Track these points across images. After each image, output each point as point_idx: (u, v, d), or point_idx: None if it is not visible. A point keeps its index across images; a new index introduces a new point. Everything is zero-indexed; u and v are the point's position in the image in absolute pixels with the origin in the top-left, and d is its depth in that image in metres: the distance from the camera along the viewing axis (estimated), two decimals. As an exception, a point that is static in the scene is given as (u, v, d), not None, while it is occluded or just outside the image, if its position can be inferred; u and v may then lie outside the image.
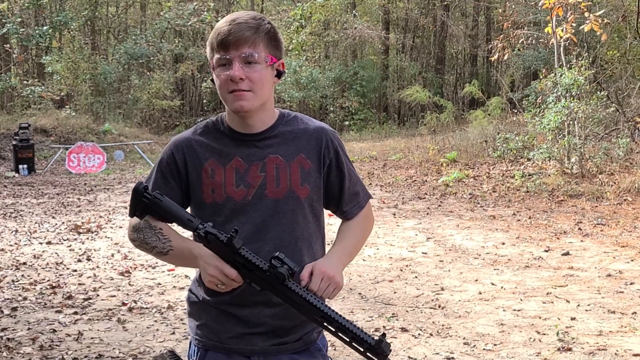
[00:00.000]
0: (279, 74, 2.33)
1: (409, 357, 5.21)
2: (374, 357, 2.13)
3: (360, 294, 6.88)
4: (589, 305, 6.41)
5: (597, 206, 11.41)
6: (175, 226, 2.36)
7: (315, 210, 2.40)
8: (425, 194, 13.40)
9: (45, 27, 25.87)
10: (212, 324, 2.34)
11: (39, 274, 7.77)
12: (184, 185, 2.35)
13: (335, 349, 5.33)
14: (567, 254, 8.44)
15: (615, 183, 12.52)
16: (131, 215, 2.30)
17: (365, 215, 2.56)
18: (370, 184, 14.82)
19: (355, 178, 2.52)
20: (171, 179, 2.35)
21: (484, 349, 5.35)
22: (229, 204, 2.28)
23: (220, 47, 2.22)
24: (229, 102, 2.26)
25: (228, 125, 2.36)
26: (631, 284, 7.09)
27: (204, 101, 34.15)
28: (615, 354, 5.16)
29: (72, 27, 28.96)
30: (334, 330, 2.14)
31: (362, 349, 2.13)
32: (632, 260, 8.08)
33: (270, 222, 2.30)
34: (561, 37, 14.27)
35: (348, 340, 2.14)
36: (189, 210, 2.37)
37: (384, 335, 2.13)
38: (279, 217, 2.30)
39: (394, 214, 11.33)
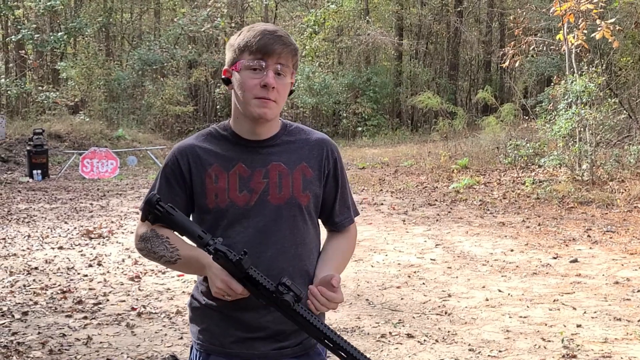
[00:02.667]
0: (290, 91, 2.41)
1: (414, 363, 5.25)
2: None
3: (367, 300, 6.92)
4: (595, 312, 6.42)
5: (607, 213, 11.40)
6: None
7: (313, 218, 2.46)
8: (436, 200, 13.42)
9: (60, 34, 26.09)
10: (213, 328, 2.38)
11: (50, 278, 7.85)
12: (189, 191, 2.38)
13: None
14: (575, 261, 8.45)
15: (625, 190, 12.50)
16: (143, 220, 2.34)
17: (353, 234, 2.62)
18: (381, 190, 14.86)
19: (348, 192, 2.58)
20: (175, 184, 2.39)
21: (489, 355, 5.38)
22: (232, 209, 2.33)
23: (258, 51, 2.27)
24: (251, 107, 2.31)
25: (233, 131, 2.41)
26: (638, 291, 7.09)
27: (218, 107, 34.27)
28: (620, 361, 5.18)
29: (86, 33, 29.20)
30: (332, 347, 2.18)
31: None
32: (640, 268, 8.09)
33: (272, 228, 2.34)
34: (572, 44, 14.28)
35: (345, 358, 2.18)
36: (191, 217, 2.42)
37: None
38: (280, 223, 2.35)
39: (404, 221, 11.36)
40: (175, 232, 2.32)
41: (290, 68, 2.32)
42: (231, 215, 2.33)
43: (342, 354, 2.17)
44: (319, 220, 2.54)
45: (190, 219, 2.38)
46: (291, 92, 2.41)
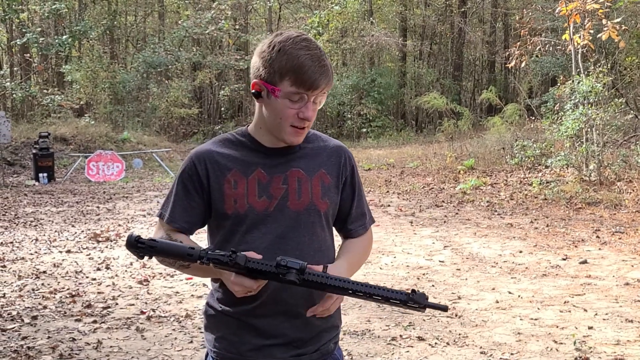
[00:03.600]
0: None
1: (426, 366, 5.23)
2: (413, 309, 2.17)
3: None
4: (606, 314, 6.40)
5: (615, 214, 11.37)
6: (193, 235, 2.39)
7: (330, 225, 2.45)
8: (443, 201, 13.39)
9: (64, 37, 26.07)
10: (230, 336, 2.36)
11: (59, 282, 7.85)
12: (206, 196, 2.36)
13: (352, 358, 5.36)
14: (584, 262, 8.42)
15: (633, 190, 12.46)
16: (141, 258, 2.31)
17: (368, 239, 2.60)
18: (388, 191, 14.84)
19: (364, 199, 2.57)
20: (193, 190, 2.37)
21: (500, 358, 5.35)
22: (251, 214, 2.31)
23: (302, 86, 2.22)
24: (284, 133, 2.30)
25: (252, 138, 2.39)
26: (649, 292, 7.07)
27: (222, 109, 34.28)
28: (633, 363, 5.16)
29: (91, 36, 29.22)
30: (362, 296, 2.17)
31: (400, 305, 2.17)
32: (650, 269, 8.06)
33: (291, 234, 2.33)
34: (578, 44, 14.25)
35: (382, 301, 2.17)
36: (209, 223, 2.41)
37: (413, 291, 2.14)
38: (299, 229, 2.33)
39: (411, 222, 11.34)
40: (181, 240, 2.30)
41: (325, 94, 2.31)
42: (250, 220, 2.32)
43: (376, 297, 2.16)
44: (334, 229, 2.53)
45: (207, 225, 2.38)
46: None
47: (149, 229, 11.04)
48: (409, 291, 2.15)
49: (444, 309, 2.20)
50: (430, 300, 2.16)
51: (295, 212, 2.33)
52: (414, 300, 2.13)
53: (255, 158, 2.36)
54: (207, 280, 2.87)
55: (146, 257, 2.22)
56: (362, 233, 2.55)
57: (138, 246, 2.18)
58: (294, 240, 2.32)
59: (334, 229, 2.52)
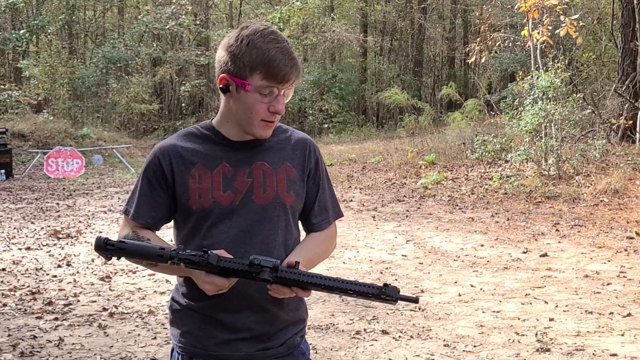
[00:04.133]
0: None
1: (390, 359, 5.25)
2: (386, 302, 2.18)
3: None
4: (566, 306, 6.49)
5: (574, 207, 11.53)
6: (164, 229, 2.38)
7: (296, 219, 2.44)
8: (404, 196, 13.46)
9: (22, 31, 25.73)
10: (195, 331, 2.34)
11: (19, 279, 7.74)
12: (171, 191, 2.33)
13: (317, 352, 5.37)
14: (545, 255, 8.53)
15: (591, 184, 12.64)
16: (108, 260, 2.28)
17: (331, 235, 2.57)
18: (350, 186, 14.87)
19: (329, 193, 2.54)
20: (157, 186, 2.34)
21: (463, 350, 5.40)
22: (216, 208, 2.29)
23: (273, 79, 2.20)
24: (254, 127, 2.28)
25: (217, 131, 2.36)
26: (608, 284, 7.18)
27: (183, 105, 34.08)
28: (593, 354, 5.23)
29: (49, 31, 28.86)
30: (338, 292, 2.18)
31: (373, 298, 2.18)
32: (608, 261, 8.19)
33: (256, 227, 2.31)
34: (537, 40, 14.42)
35: (355, 295, 2.18)
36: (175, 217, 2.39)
37: (385, 284, 2.15)
38: (264, 223, 2.32)
39: (374, 217, 11.39)
40: (151, 239, 2.28)
41: (293, 87, 2.30)
42: (215, 215, 2.30)
43: (350, 292, 2.16)
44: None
45: (174, 220, 2.37)
46: None
47: (110, 226, 10.94)
48: (382, 285, 2.16)
49: (415, 300, 2.22)
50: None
51: (261, 206, 2.32)
52: (386, 294, 2.14)
53: (220, 152, 2.34)
54: (171, 277, 2.84)
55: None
56: (325, 227, 2.53)
57: (107, 248, 2.15)
58: (259, 235, 2.31)
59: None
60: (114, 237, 2.25)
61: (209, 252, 2.10)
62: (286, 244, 2.36)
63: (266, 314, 2.30)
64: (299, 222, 2.51)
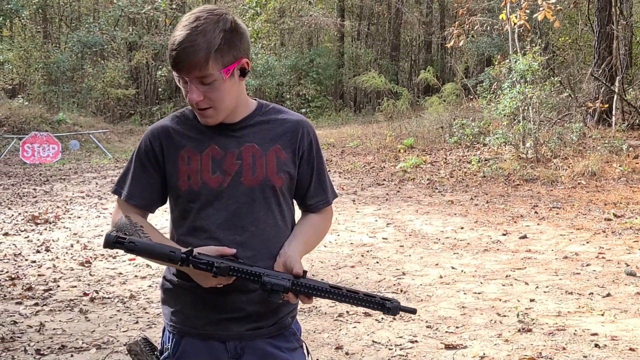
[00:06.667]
0: (244, 73, 2.30)
1: (373, 341, 5.27)
2: (388, 314, 2.20)
3: (322, 280, 6.90)
4: (547, 287, 6.54)
5: (552, 190, 11.61)
6: (156, 217, 2.36)
7: (287, 199, 2.42)
8: (384, 180, 13.49)
9: (-5, 16, 25.40)
10: (187, 310, 2.33)
11: (-3, 265, 7.68)
12: (163, 172, 2.33)
13: (308, 334, 5.36)
14: (524, 237, 8.59)
15: (569, 167, 12.74)
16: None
17: (328, 216, 2.59)
18: (329, 170, 14.82)
19: (324, 175, 2.52)
20: (150, 167, 2.34)
21: (446, 331, 5.43)
22: (204, 190, 2.28)
23: (172, 66, 2.21)
24: (197, 116, 2.30)
25: None
26: (587, 265, 7.25)
27: (159, 89, 33.86)
28: (574, 333, 5.28)
29: (23, 15, 28.46)
30: (346, 302, 2.20)
31: (377, 310, 2.20)
32: (587, 243, 8.26)
33: (245, 210, 2.30)
34: (515, 24, 14.46)
35: (361, 304, 2.20)
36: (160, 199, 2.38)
37: (388, 300, 2.17)
38: (254, 205, 2.31)
39: (354, 201, 11.40)
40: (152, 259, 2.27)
41: (215, 70, 2.19)
42: (204, 197, 2.29)
43: (358, 302, 2.19)
44: (294, 202, 2.51)
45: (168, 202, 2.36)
46: (245, 73, 2.31)
47: (89, 211, 10.86)
48: (386, 299, 2.18)
49: (413, 311, 2.27)
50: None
51: (250, 188, 2.30)
52: (389, 309, 2.17)
53: (210, 134, 2.32)
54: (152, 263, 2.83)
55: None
56: (322, 207, 2.53)
57: (116, 245, 2.13)
58: (249, 216, 2.30)
59: (294, 203, 2.50)
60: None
61: (222, 262, 2.09)
62: (277, 225, 2.35)
63: (256, 294, 2.29)
64: (294, 202, 2.50)
